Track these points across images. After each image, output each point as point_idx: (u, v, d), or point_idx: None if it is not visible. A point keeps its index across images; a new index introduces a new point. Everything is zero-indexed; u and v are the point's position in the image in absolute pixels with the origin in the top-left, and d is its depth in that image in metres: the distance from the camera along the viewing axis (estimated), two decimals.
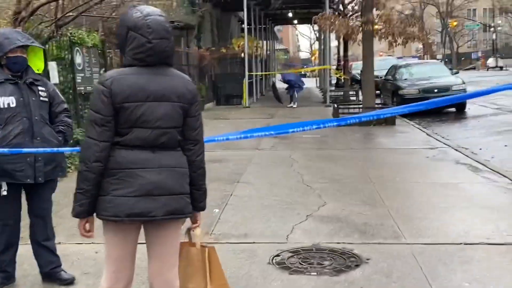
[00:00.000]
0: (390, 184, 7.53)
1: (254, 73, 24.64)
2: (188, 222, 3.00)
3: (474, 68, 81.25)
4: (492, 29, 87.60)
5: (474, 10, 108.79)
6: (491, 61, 73.97)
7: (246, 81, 21.44)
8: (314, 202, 6.59)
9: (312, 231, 5.47)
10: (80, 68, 10.03)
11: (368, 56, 15.43)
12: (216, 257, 3.02)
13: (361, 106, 15.79)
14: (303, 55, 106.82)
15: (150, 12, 2.74)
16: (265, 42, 35.90)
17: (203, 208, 2.96)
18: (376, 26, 15.75)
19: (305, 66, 59.12)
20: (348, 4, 21.77)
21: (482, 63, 79.17)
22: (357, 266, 4.50)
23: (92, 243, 4.71)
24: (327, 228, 5.54)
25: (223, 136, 3.68)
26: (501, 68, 69.51)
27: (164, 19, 2.76)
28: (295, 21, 39.29)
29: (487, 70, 70.52)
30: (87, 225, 2.81)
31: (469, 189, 7.09)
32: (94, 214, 2.78)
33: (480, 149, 10.70)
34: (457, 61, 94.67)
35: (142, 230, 2.87)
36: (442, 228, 5.42)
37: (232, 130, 14.14)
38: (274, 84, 22.18)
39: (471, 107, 18.54)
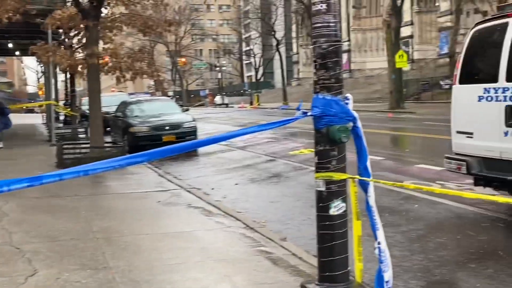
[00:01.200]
0: (117, 238, 6.57)
1: None
2: None
3: (203, 105, 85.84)
4: (217, 68, 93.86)
5: (201, 50, 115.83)
6: (218, 99, 79.01)
7: None
8: (22, 271, 5.29)
9: None
10: None
11: (94, 91, 14.36)
12: None
13: (89, 145, 14.60)
14: (31, 89, 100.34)
15: None
16: None
17: None
18: (103, 60, 14.87)
19: (32, 101, 55.03)
20: (74, 36, 20.42)
21: (210, 100, 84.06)
22: None
23: None
24: None
25: None
26: (227, 105, 74.64)
27: None
28: (17, 53, 36.09)
29: (215, 107, 75.02)
30: None
31: (203, 239, 6.52)
32: None
33: (213, 189, 10.45)
34: (187, 98, 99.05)
35: None
36: None
37: None
38: None
39: None
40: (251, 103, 67.44)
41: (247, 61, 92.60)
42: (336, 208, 3.38)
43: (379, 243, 3.53)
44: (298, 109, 3.43)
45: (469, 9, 50.05)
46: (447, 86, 42.71)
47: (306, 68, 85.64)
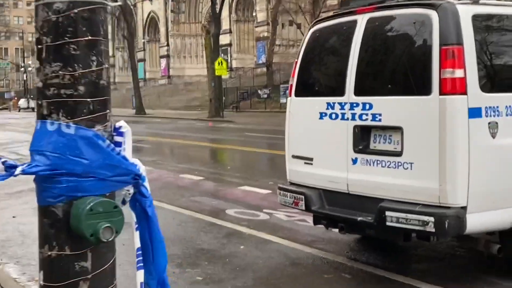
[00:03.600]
0: None
1: None
2: None
3: (7, 109, 78.34)
4: (22, 69, 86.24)
5: (6, 49, 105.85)
6: (22, 102, 72.59)
7: None
8: None
9: None
10: None
11: None
12: None
13: None
14: None
15: None
16: None
17: None
18: None
19: None
20: None
21: (14, 104, 76.81)
22: None
23: None
24: None
25: None
26: (33, 109, 68.41)
27: None
28: None
29: (19, 111, 68.65)
30: None
31: None
32: None
33: None
34: None
35: None
36: None
37: None
38: None
39: None
40: None
41: None
42: None
43: None
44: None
45: (284, 20, 51.29)
46: (265, 96, 43.09)
47: (122, 72, 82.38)
